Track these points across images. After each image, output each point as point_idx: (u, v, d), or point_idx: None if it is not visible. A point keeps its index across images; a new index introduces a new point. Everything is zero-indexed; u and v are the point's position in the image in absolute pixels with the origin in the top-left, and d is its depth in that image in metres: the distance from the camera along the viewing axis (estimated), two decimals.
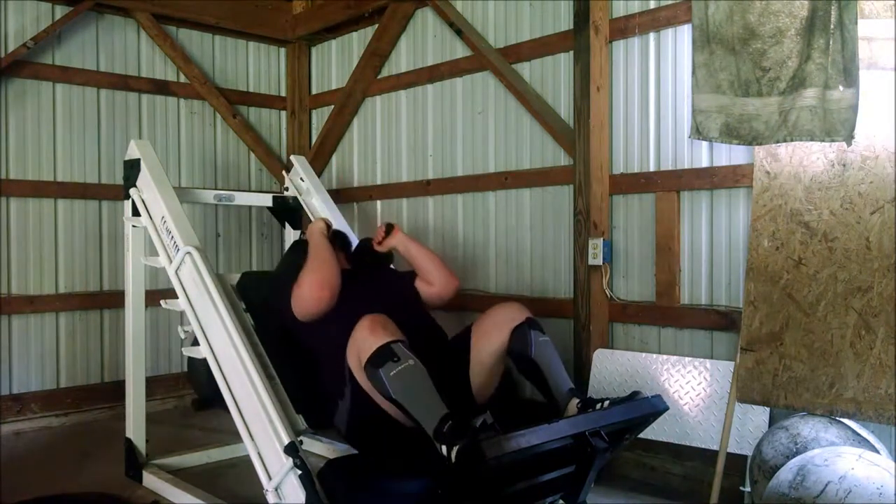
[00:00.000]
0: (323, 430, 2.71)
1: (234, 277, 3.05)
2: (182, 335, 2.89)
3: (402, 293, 2.86)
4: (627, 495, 2.94)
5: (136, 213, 3.06)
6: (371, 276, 2.91)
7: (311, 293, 2.56)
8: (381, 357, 2.16)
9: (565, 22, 3.43)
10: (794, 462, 2.25)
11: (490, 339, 2.53)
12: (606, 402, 2.21)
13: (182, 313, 2.81)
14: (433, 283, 2.87)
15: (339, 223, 3.49)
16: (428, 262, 2.89)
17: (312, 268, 2.65)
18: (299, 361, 2.71)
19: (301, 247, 2.91)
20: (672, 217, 3.04)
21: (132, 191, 3.06)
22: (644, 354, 3.00)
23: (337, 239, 3.03)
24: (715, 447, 2.67)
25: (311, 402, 2.65)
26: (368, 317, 2.29)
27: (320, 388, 2.63)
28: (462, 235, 3.95)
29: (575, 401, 2.29)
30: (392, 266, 3.15)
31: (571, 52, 3.35)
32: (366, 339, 2.22)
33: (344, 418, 2.50)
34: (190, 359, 2.91)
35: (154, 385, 4.04)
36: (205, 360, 2.66)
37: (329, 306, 2.59)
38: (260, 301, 2.91)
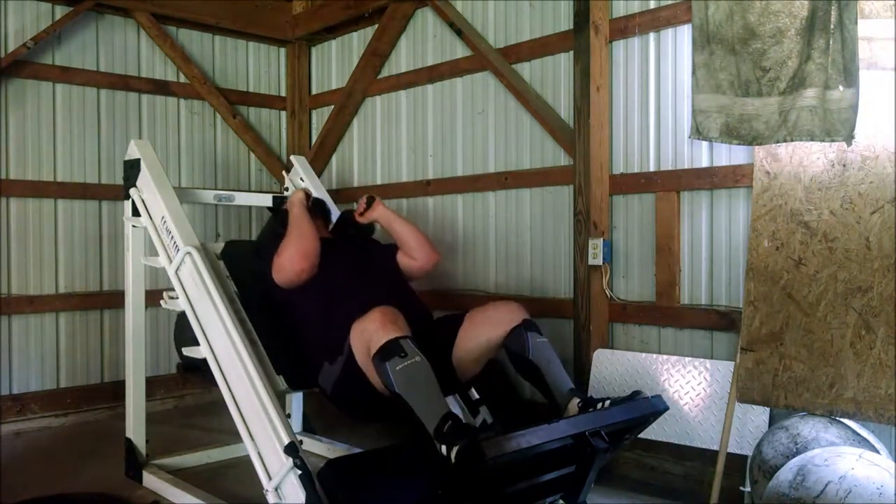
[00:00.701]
0: (301, 389, 2.81)
1: (219, 247, 3.08)
2: (168, 306, 2.89)
3: (384, 265, 2.93)
4: (627, 495, 2.94)
5: (136, 213, 3.06)
6: (352, 247, 2.98)
7: (292, 265, 2.67)
8: (389, 351, 2.19)
9: (565, 22, 3.43)
10: (794, 462, 2.25)
11: (479, 332, 2.55)
12: (607, 402, 2.21)
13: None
14: (415, 258, 2.94)
15: (334, 213, 3.50)
16: (409, 237, 2.95)
17: (292, 239, 2.74)
18: (281, 326, 2.78)
19: (282, 217, 2.96)
20: (672, 217, 3.04)
21: (132, 191, 3.06)
22: (644, 354, 3.00)
23: (316, 208, 3.11)
24: (715, 447, 2.67)
25: (292, 364, 2.73)
26: (380, 309, 2.32)
27: (302, 351, 2.70)
28: (462, 235, 3.95)
29: (576, 401, 2.29)
30: (374, 238, 3.19)
31: (571, 52, 3.35)
32: (376, 330, 2.25)
33: (331, 380, 2.55)
34: (178, 322, 2.95)
35: (154, 385, 4.05)
36: (184, 316, 2.76)
37: (309, 276, 2.69)
38: (243, 269, 2.99)
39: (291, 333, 2.75)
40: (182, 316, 2.83)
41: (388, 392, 2.24)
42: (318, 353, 2.62)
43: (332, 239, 3.02)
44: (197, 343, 2.71)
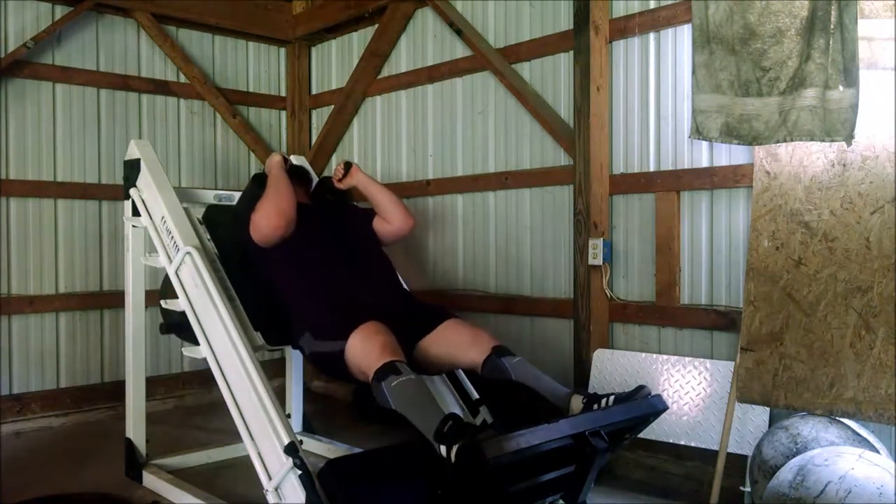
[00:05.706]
0: (278, 345, 2.92)
1: (201, 210, 3.14)
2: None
3: (360, 232, 3.02)
4: (627, 495, 2.94)
5: (136, 213, 3.06)
6: (331, 213, 3.05)
7: (268, 221, 2.73)
8: (384, 372, 2.23)
9: (565, 22, 3.43)
10: (794, 462, 2.25)
11: (448, 350, 2.59)
12: (611, 398, 2.21)
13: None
14: (391, 222, 3.05)
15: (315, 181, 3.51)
16: (386, 202, 3.06)
17: (269, 197, 2.80)
18: (260, 286, 2.86)
19: (261, 179, 3.01)
20: (672, 217, 3.04)
21: (132, 191, 3.07)
22: (644, 354, 3.00)
23: (296, 174, 3.15)
24: (715, 447, 2.67)
25: (270, 322, 2.83)
26: (376, 329, 2.36)
27: (279, 311, 2.79)
28: (462, 235, 3.95)
29: (579, 397, 2.30)
30: (354, 203, 3.25)
31: (571, 52, 3.35)
32: (373, 357, 2.29)
33: (311, 349, 2.61)
34: (164, 280, 2.97)
35: (154, 385, 4.05)
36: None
37: (286, 233, 2.75)
38: (224, 231, 3.06)
39: (269, 293, 2.82)
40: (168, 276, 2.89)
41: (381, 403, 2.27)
42: (297, 319, 2.69)
43: (312, 205, 3.08)
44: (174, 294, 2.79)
